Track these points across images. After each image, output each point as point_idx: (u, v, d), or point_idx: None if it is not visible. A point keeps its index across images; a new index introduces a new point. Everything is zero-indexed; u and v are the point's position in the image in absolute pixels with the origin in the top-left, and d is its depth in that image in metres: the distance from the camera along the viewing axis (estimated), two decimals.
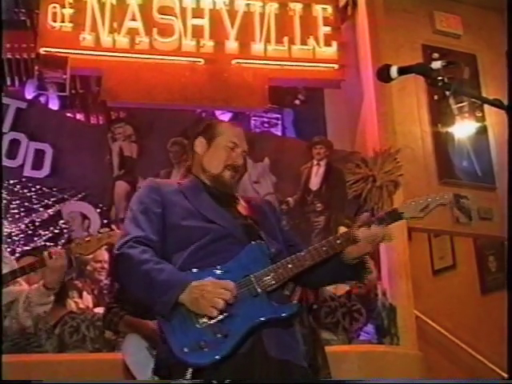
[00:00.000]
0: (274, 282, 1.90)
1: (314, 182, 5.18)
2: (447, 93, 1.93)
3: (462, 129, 5.53)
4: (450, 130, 5.56)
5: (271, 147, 5.58)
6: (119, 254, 1.94)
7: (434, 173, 5.50)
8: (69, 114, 5.99)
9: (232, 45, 5.38)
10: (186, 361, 1.80)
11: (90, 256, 4.39)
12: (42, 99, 5.47)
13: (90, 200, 5.04)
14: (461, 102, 5.43)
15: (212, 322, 1.81)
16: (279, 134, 6.65)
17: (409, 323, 4.47)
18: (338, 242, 1.96)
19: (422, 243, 6.64)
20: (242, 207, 2.14)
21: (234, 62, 5.37)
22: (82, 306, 4.22)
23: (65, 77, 4.76)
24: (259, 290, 1.89)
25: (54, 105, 5.53)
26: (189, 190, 2.10)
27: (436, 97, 5.49)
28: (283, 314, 1.88)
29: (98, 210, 5.00)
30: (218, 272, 1.90)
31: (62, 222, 4.79)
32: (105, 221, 4.91)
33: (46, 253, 2.98)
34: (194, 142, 2.19)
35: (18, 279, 3.21)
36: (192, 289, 1.82)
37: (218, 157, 2.13)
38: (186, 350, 1.80)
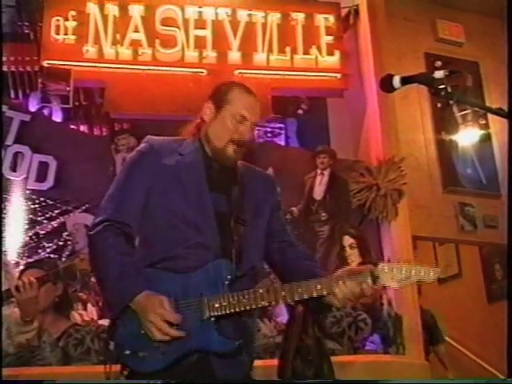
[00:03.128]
0: (223, 312, 1.83)
1: (318, 192, 5.18)
2: (451, 101, 1.94)
3: (466, 136, 5.54)
4: (454, 137, 5.57)
5: (275, 157, 5.56)
6: (90, 236, 1.92)
7: (438, 181, 5.51)
8: (72, 126, 5.98)
9: (234, 55, 5.40)
10: (124, 362, 1.86)
11: None
12: (46, 111, 5.47)
13: (94, 211, 5.02)
14: (464, 110, 5.45)
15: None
16: (282, 143, 6.63)
17: (415, 333, 4.45)
18: (299, 290, 1.83)
19: (428, 252, 6.63)
20: (238, 182, 2.03)
21: (236, 72, 5.39)
22: (86, 318, 4.20)
23: (68, 89, 4.78)
24: (207, 315, 1.83)
25: (57, 117, 5.53)
26: (185, 163, 1.99)
27: (439, 104, 5.51)
28: (219, 350, 1.82)
29: None
30: (178, 280, 1.86)
31: (66, 233, 4.79)
32: None
33: (14, 286, 2.94)
34: (203, 107, 2.09)
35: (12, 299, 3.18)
36: (144, 298, 1.80)
37: (224, 129, 2.01)
38: (127, 352, 1.84)
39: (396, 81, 1.99)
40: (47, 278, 3.13)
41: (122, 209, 1.94)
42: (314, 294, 1.85)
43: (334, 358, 3.40)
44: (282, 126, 7.06)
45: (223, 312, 1.83)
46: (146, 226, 1.96)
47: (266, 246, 2.07)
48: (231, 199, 1.98)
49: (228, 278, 1.85)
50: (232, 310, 1.83)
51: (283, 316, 4.23)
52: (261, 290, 1.84)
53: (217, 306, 1.83)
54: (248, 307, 1.84)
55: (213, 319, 1.83)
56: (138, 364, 1.84)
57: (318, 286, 1.85)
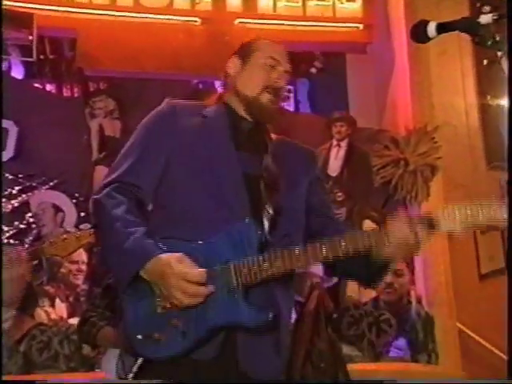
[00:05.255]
0: (253, 279, 1.87)
1: (334, 167, 5.18)
2: (499, 54, 1.90)
3: None
4: (503, 102, 5.53)
5: (282, 125, 5.54)
6: (95, 199, 1.97)
7: (481, 155, 5.48)
8: (36, 85, 5.99)
9: (234, 1, 5.37)
10: (136, 350, 1.87)
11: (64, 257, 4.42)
12: (4, 66, 5.46)
13: (65, 188, 5.05)
14: None
15: (174, 310, 1.84)
16: (291, 109, 6.63)
17: (450, 337, 4.48)
18: (343, 245, 1.88)
19: (466, 241, 6.60)
20: (271, 155, 2.09)
21: (236, 21, 5.37)
22: (54, 316, 4.23)
23: (31, 38, 4.74)
24: (236, 283, 1.87)
25: (17, 73, 5.53)
26: (209, 126, 2.08)
27: (485, 61, 5.45)
28: (248, 323, 1.86)
29: (74, 201, 5.01)
30: (198, 248, 1.90)
31: (29, 215, 4.81)
32: (82, 214, 4.91)
33: None
34: (228, 64, 2.17)
35: None
36: (158, 263, 1.84)
37: (256, 76, 2.11)
38: (139, 337, 1.85)
39: (431, 28, 1.95)
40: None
41: (134, 170, 2.01)
42: (361, 247, 1.88)
43: (351, 366, 3.41)
44: (291, 87, 7.03)
45: (253, 278, 1.87)
46: (163, 193, 2.03)
47: (306, 222, 2.12)
48: (262, 163, 2.06)
49: (257, 240, 1.90)
50: (264, 276, 1.87)
51: None
52: (297, 250, 1.88)
53: (245, 271, 1.86)
54: (283, 270, 1.88)
55: (241, 288, 1.86)
56: (153, 349, 1.85)
57: (366, 238, 1.89)
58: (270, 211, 1.98)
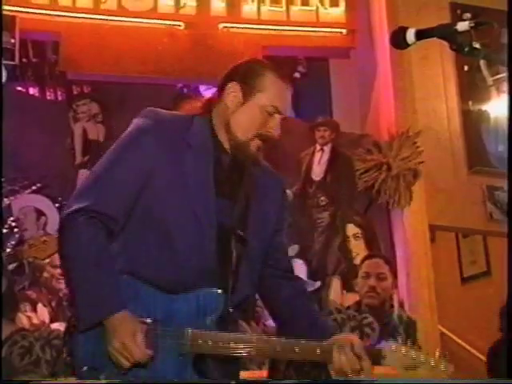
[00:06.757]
0: (205, 351, 1.87)
1: (317, 171, 5.18)
2: (481, 62, 1.92)
3: (499, 106, 5.53)
4: (484, 107, 5.57)
5: None
6: (69, 225, 1.89)
7: (462, 160, 5.52)
8: (19, 88, 5.97)
9: (218, 5, 5.37)
10: (81, 377, 1.88)
11: (47, 260, 4.40)
12: None
13: (47, 192, 5.02)
14: (497, 74, 5.44)
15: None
16: None
17: (432, 341, 4.49)
18: (296, 350, 1.91)
19: (449, 244, 6.66)
20: (245, 182, 2.05)
21: (220, 26, 5.37)
22: (35, 321, 4.21)
23: (13, 41, 4.72)
24: (188, 350, 1.86)
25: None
26: (193, 156, 1.97)
27: (466, 67, 5.49)
28: None
29: (57, 205, 4.97)
30: (161, 300, 1.89)
31: (11, 219, 4.78)
32: None
33: None
34: (227, 87, 2.03)
35: None
36: (118, 319, 1.82)
37: (252, 120, 1.99)
38: (85, 368, 1.86)
39: (410, 34, 1.98)
40: None
41: (108, 197, 1.91)
42: (310, 359, 1.97)
43: None
44: None
45: (206, 351, 1.86)
46: (134, 224, 1.95)
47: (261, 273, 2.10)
48: (236, 208, 2.00)
49: (218, 313, 1.89)
50: (216, 351, 1.87)
51: None
52: (254, 338, 1.91)
53: (200, 342, 1.85)
54: (235, 354, 1.88)
55: (191, 356, 1.86)
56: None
57: (318, 351, 1.93)
58: (234, 274, 1.96)
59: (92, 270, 1.84)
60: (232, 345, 1.87)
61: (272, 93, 2.00)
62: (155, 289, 1.89)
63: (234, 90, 2.02)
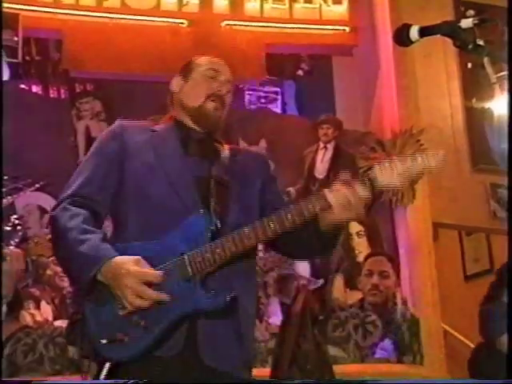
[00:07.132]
0: (207, 265, 1.91)
1: (320, 169, 5.19)
2: (485, 59, 1.92)
3: (502, 104, 5.53)
4: (487, 105, 5.56)
5: (269, 127, 5.58)
6: (51, 216, 2.03)
7: (466, 157, 5.52)
8: (22, 86, 5.98)
9: (221, 2, 5.37)
10: (102, 354, 1.90)
11: (50, 258, 4.41)
12: None
13: (51, 190, 5.02)
14: (501, 71, 5.44)
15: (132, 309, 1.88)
16: (278, 110, 6.66)
17: (435, 339, 4.49)
18: (289, 216, 1.94)
19: (452, 242, 6.65)
20: (222, 159, 2.16)
21: (223, 23, 5.37)
22: (39, 318, 4.21)
23: (16, 39, 4.73)
24: (191, 273, 1.91)
25: (3, 74, 5.51)
26: (159, 137, 2.15)
27: (470, 64, 5.49)
28: (207, 308, 1.90)
29: None
30: (151, 248, 1.95)
31: (15, 216, 4.78)
32: None
33: None
34: (170, 84, 2.24)
35: None
36: (113, 265, 1.88)
37: (198, 87, 2.17)
38: (103, 341, 1.89)
39: (414, 31, 1.98)
40: None
41: (88, 184, 2.06)
42: (306, 214, 1.94)
43: (336, 368, 3.43)
44: (278, 89, 7.07)
45: (208, 265, 1.91)
46: (118, 203, 2.08)
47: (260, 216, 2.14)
48: (212, 166, 2.11)
49: (209, 230, 1.95)
50: (218, 261, 1.92)
51: (277, 316, 4.26)
52: (246, 229, 1.93)
53: (199, 260, 1.91)
54: (235, 250, 1.92)
55: (197, 276, 1.91)
56: (119, 351, 1.89)
57: (310, 205, 1.95)
58: (219, 202, 2.04)
59: (74, 240, 1.93)
60: (228, 244, 1.92)
61: (207, 63, 2.21)
62: (146, 243, 1.97)
63: (176, 80, 2.23)
